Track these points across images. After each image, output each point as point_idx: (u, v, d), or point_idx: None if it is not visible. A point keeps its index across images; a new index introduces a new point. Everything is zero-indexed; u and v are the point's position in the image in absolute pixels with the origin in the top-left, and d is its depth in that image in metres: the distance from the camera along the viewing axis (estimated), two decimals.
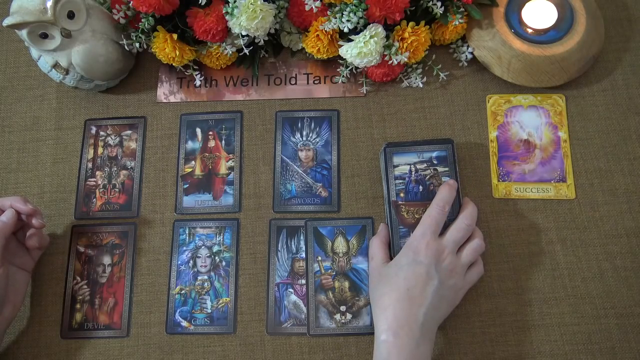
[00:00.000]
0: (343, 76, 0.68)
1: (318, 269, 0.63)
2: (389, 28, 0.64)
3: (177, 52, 0.65)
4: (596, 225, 0.63)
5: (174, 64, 0.67)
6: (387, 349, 0.51)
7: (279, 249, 0.64)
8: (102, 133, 0.70)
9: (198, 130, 0.69)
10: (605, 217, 0.63)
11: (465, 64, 0.69)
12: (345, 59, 0.65)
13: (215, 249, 0.64)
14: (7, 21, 0.59)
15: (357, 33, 0.63)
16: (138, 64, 0.72)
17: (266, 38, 0.66)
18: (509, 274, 0.62)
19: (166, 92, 0.71)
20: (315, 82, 0.71)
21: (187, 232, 0.65)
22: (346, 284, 0.62)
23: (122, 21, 0.65)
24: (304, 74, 0.71)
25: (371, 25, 0.62)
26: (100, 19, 0.64)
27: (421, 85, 0.68)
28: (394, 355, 0.51)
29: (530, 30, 0.65)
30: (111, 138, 0.70)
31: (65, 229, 0.66)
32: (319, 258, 0.63)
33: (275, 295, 0.62)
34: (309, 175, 0.67)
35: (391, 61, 0.64)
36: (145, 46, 0.67)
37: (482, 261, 0.59)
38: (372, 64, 0.64)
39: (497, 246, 0.62)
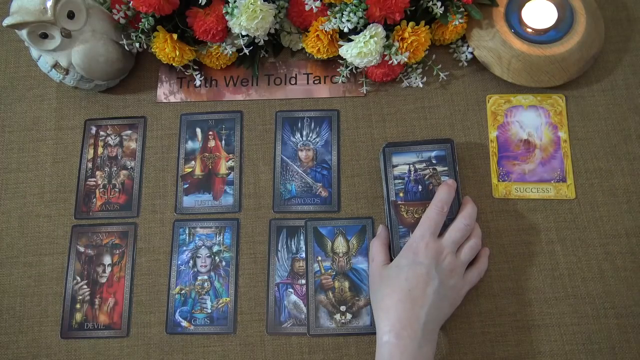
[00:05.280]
0: (343, 76, 0.68)
1: (318, 269, 0.63)
2: (389, 28, 0.64)
3: (177, 52, 0.65)
4: (596, 225, 0.63)
5: (174, 64, 0.67)
6: (390, 351, 0.51)
7: (279, 249, 0.64)
8: (102, 133, 0.70)
9: (198, 130, 0.69)
10: (605, 217, 0.63)
11: (465, 64, 0.69)
12: (345, 59, 0.65)
13: (215, 249, 0.64)
14: (7, 21, 0.59)
15: (357, 33, 0.63)
16: (138, 64, 0.72)
17: (266, 38, 0.66)
18: (509, 274, 0.62)
19: (166, 92, 0.71)
20: (315, 82, 0.71)
21: (187, 232, 0.65)
22: (346, 284, 0.62)
23: (122, 21, 0.65)
24: (304, 74, 0.71)
25: (371, 25, 0.62)
26: (100, 19, 0.64)
27: (421, 85, 0.68)
28: (397, 356, 0.51)
29: (530, 30, 0.65)
30: (111, 138, 0.70)
31: (65, 229, 0.66)
32: (319, 258, 0.63)
33: (275, 295, 0.62)
34: (309, 175, 0.67)
35: (391, 61, 0.64)
36: (145, 46, 0.67)
37: (487, 262, 0.60)
38: (372, 64, 0.64)
39: (497, 246, 0.62)
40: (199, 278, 0.64)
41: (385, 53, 0.64)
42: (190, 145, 0.69)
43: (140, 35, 0.65)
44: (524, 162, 0.65)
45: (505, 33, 0.65)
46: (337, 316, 0.61)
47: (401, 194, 0.60)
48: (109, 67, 0.65)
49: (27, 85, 0.73)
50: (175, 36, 0.64)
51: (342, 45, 0.65)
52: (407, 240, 0.57)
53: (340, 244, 0.64)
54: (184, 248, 0.65)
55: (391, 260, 0.57)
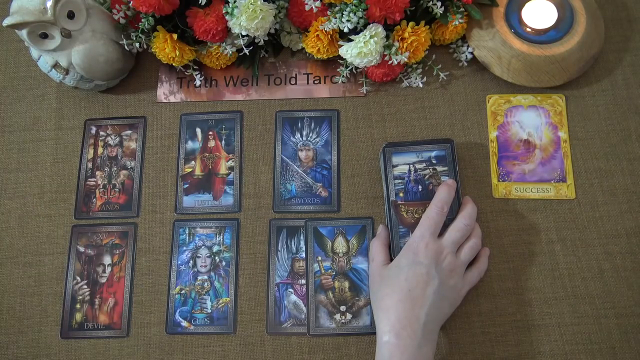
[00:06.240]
0: (343, 76, 0.68)
1: (318, 269, 0.63)
2: (389, 28, 0.64)
3: (177, 52, 0.65)
4: (596, 225, 0.63)
5: (174, 64, 0.67)
6: (390, 351, 0.51)
7: (279, 249, 0.64)
8: (102, 133, 0.70)
9: (198, 130, 0.69)
10: (605, 217, 0.63)
11: (465, 64, 0.69)
12: (345, 59, 0.65)
13: (215, 249, 0.64)
14: (7, 21, 0.59)
15: (357, 33, 0.63)
16: (138, 64, 0.72)
17: (266, 38, 0.66)
18: (509, 274, 0.62)
19: (166, 92, 0.71)
20: (315, 82, 0.71)
21: (187, 232, 0.65)
22: (346, 284, 0.62)
23: (122, 21, 0.65)
24: (304, 74, 0.71)
25: (371, 25, 0.62)
26: (100, 19, 0.64)
27: (421, 85, 0.68)
28: (396, 356, 0.51)
29: (530, 30, 0.65)
30: (111, 138, 0.70)
31: (65, 229, 0.66)
32: (319, 258, 0.63)
33: (275, 295, 0.62)
34: (309, 175, 0.67)
35: (391, 61, 0.64)
36: (145, 46, 0.67)
37: (487, 262, 0.60)
38: (372, 64, 0.64)
39: (497, 246, 0.62)
40: (199, 278, 0.64)
41: (385, 53, 0.64)
42: (190, 145, 0.69)
43: (140, 35, 0.65)
44: (524, 162, 0.65)
45: (505, 33, 0.65)
46: (337, 316, 0.61)
47: (401, 194, 0.60)
48: (109, 67, 0.65)
49: (27, 85, 0.73)
50: (175, 36, 0.64)
51: (342, 45, 0.65)
52: (407, 240, 0.57)
53: (340, 244, 0.64)
54: (184, 248, 0.65)
55: (391, 260, 0.57)
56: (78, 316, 0.63)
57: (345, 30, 0.62)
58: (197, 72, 0.69)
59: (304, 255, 0.63)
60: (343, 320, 0.61)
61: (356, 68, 0.69)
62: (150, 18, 0.63)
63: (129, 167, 0.68)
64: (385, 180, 0.61)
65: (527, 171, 0.65)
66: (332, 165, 0.67)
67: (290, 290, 0.62)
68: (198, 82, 0.69)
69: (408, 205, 0.59)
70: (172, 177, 0.68)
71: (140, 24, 0.64)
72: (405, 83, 0.69)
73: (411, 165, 0.61)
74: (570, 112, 0.67)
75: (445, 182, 0.58)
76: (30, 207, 0.67)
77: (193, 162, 0.68)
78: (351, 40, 0.63)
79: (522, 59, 0.65)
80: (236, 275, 0.63)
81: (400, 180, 0.60)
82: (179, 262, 0.64)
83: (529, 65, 0.65)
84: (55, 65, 0.64)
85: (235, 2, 0.61)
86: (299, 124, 0.69)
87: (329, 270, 0.63)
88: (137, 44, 0.66)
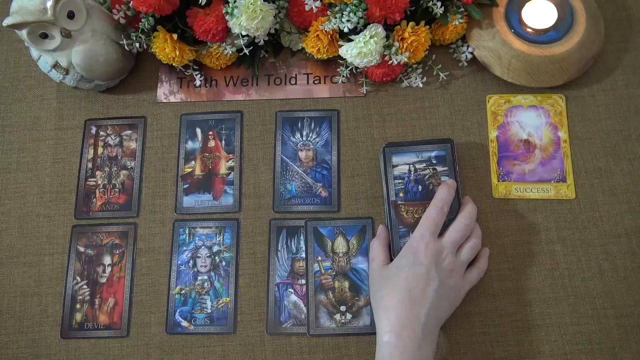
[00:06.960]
0: (343, 76, 0.68)
1: (318, 269, 0.63)
2: (389, 28, 0.64)
3: (177, 52, 0.65)
4: (596, 225, 0.63)
5: (174, 64, 0.67)
6: (389, 351, 0.51)
7: (279, 249, 0.64)
8: (102, 133, 0.70)
9: (198, 130, 0.69)
10: (605, 217, 0.63)
11: (465, 64, 0.69)
12: (345, 59, 0.65)
13: (215, 249, 0.64)
14: (7, 21, 0.59)
15: (357, 33, 0.63)
16: (138, 64, 0.72)
17: (266, 38, 0.66)
18: (509, 274, 0.62)
19: (166, 92, 0.71)
20: (315, 82, 0.71)
21: (187, 232, 0.65)
22: (346, 284, 0.62)
23: (122, 21, 0.65)
24: (304, 74, 0.71)
25: (371, 25, 0.62)
26: (100, 19, 0.64)
27: (421, 85, 0.68)
28: (396, 356, 0.51)
29: (530, 30, 0.65)
30: (111, 138, 0.70)
31: (65, 229, 0.66)
32: (319, 258, 0.63)
33: (275, 295, 0.62)
34: (309, 175, 0.67)
35: (391, 61, 0.64)
36: (145, 46, 0.67)
37: (487, 262, 0.60)
38: (372, 64, 0.64)
39: (497, 246, 0.62)
40: (199, 278, 0.64)
41: (385, 53, 0.64)
42: (190, 145, 0.69)
43: (140, 35, 0.65)
44: (524, 162, 0.65)
45: (505, 33, 0.65)
46: (337, 316, 0.61)
47: (401, 194, 0.60)
48: (109, 67, 0.65)
49: (27, 85, 0.73)
50: (175, 36, 0.64)
51: (342, 45, 0.65)
52: (407, 240, 0.57)
53: (340, 244, 0.64)
54: (184, 248, 0.65)
55: (391, 260, 0.57)
56: (78, 316, 0.63)
57: (345, 30, 0.62)
58: (197, 72, 0.69)
59: (304, 255, 0.63)
60: (343, 320, 0.61)
61: (356, 68, 0.69)
62: (150, 18, 0.63)
63: (129, 167, 0.68)
64: (385, 180, 0.61)
65: (527, 171, 0.65)
66: (332, 165, 0.67)
67: (290, 290, 0.62)
68: (198, 82, 0.69)
69: (408, 205, 0.59)
70: (172, 177, 0.68)
71: (140, 24, 0.64)
72: (405, 83, 0.69)
73: (411, 165, 0.61)
74: (570, 112, 0.67)
75: (445, 182, 0.58)
76: (30, 207, 0.67)
77: (193, 162, 0.68)
78: (351, 40, 0.63)
79: (522, 59, 0.65)
80: (236, 275, 0.63)
81: (400, 180, 0.60)
82: (179, 262, 0.64)
83: (529, 65, 0.65)
84: (55, 65, 0.64)
85: (235, 2, 0.61)
86: (299, 124, 0.69)
87: (329, 270, 0.63)
88: (137, 44, 0.66)
